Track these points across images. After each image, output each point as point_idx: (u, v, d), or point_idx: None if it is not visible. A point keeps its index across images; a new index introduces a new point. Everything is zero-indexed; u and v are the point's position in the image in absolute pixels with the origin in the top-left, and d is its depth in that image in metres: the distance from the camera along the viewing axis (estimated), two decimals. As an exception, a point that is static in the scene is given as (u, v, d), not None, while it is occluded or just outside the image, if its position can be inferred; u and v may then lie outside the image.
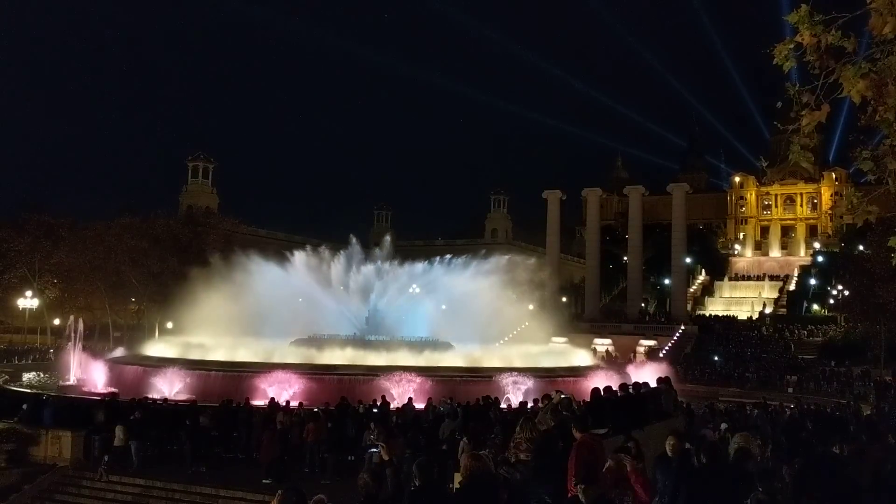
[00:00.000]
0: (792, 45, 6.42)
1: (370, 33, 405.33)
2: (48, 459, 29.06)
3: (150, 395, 35.27)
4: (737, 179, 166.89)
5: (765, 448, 25.07)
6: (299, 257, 52.74)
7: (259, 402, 33.93)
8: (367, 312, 53.37)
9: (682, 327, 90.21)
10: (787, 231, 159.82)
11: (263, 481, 24.72)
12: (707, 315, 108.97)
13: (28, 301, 75.42)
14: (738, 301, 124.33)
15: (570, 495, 10.15)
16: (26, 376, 50.32)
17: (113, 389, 39.45)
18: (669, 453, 10.76)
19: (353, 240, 59.60)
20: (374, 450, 19.52)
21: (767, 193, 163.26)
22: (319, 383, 37.50)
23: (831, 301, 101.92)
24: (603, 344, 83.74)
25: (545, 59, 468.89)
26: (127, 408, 30.64)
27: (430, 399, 32.69)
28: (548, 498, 10.50)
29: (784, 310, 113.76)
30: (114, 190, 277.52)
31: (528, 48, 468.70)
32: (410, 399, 32.92)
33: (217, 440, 29.93)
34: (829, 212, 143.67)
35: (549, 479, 10.55)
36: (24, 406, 32.09)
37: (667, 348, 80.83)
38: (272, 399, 32.58)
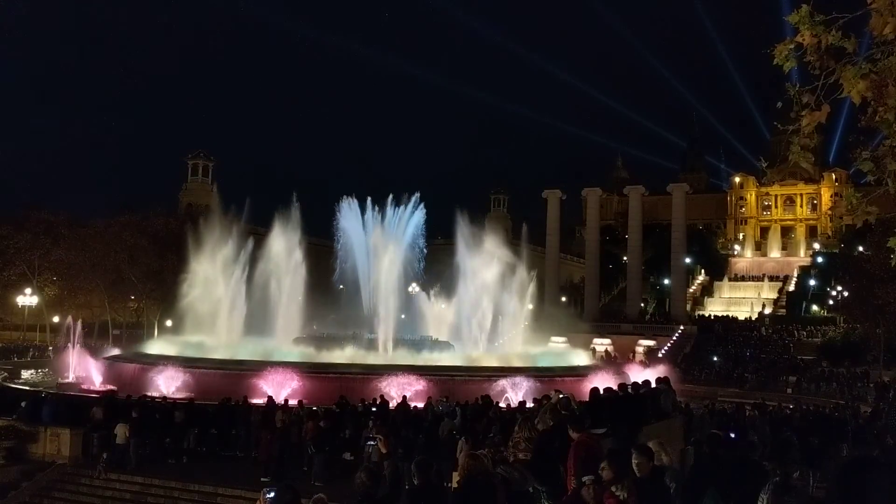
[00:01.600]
0: (792, 46, 6.41)
1: (370, 32, 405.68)
2: (47, 457, 29.05)
3: (148, 393, 35.26)
4: (737, 180, 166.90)
5: (763, 448, 25.22)
6: (298, 255, 52.62)
7: (259, 400, 33.97)
8: (366, 311, 53.34)
9: (682, 327, 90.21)
10: (786, 232, 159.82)
11: (262, 479, 24.69)
12: (706, 315, 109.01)
13: (27, 298, 75.35)
14: (738, 301, 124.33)
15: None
16: (25, 374, 50.35)
17: (111, 387, 39.52)
18: (637, 473, 9.08)
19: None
20: (373, 442, 19.60)
21: (767, 194, 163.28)
22: (319, 382, 37.52)
23: (831, 302, 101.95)
24: (602, 344, 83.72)
25: (546, 58, 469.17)
26: (125, 406, 30.66)
27: (429, 398, 32.69)
28: (546, 497, 10.50)
29: (783, 310, 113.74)
30: (113, 188, 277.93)
31: (529, 48, 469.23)
32: (405, 398, 32.93)
33: (216, 438, 30.08)
34: (829, 212, 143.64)
35: (548, 479, 10.55)
36: (23, 403, 32.10)
37: (666, 348, 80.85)
38: (269, 398, 32.58)
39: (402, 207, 58.22)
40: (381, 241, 54.92)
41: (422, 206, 59.22)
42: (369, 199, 58.41)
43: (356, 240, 57.18)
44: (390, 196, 58.89)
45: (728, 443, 21.15)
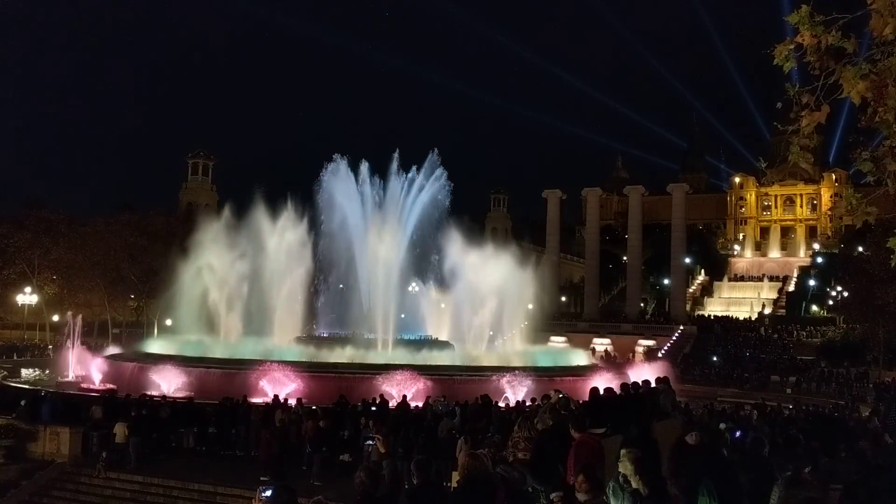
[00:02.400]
0: (792, 46, 6.41)
1: (370, 31, 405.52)
2: (46, 456, 29.04)
3: (148, 392, 35.25)
4: (737, 180, 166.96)
5: (762, 448, 25.24)
6: (297, 253, 52.44)
7: (258, 399, 33.98)
8: (366, 311, 53.19)
9: (681, 327, 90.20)
10: (786, 232, 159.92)
11: (261, 479, 24.67)
12: (706, 315, 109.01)
13: (27, 297, 75.37)
14: (738, 301, 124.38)
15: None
16: (25, 372, 50.30)
17: (111, 386, 39.51)
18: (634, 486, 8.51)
19: None
20: (371, 442, 19.60)
21: (767, 194, 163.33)
22: (319, 381, 37.49)
23: (830, 302, 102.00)
24: (602, 344, 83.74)
25: (546, 58, 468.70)
26: (125, 405, 30.66)
27: (427, 398, 32.70)
28: (545, 497, 10.51)
29: (783, 311, 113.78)
30: (113, 187, 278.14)
31: (529, 47, 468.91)
32: (405, 397, 32.95)
33: (215, 437, 30.10)
34: (829, 213, 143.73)
35: (547, 479, 10.56)
36: (23, 402, 32.10)
37: (665, 348, 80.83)
38: (276, 396, 32.56)
39: (408, 175, 53.64)
40: (379, 223, 52.01)
41: (441, 172, 53.79)
42: (366, 163, 53.82)
43: (351, 220, 53.21)
44: (396, 153, 53.29)
45: (734, 440, 21.48)
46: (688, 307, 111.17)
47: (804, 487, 9.93)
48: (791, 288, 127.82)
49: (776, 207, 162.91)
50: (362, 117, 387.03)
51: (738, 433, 24.19)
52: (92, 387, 41.92)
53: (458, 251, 53.48)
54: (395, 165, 53.76)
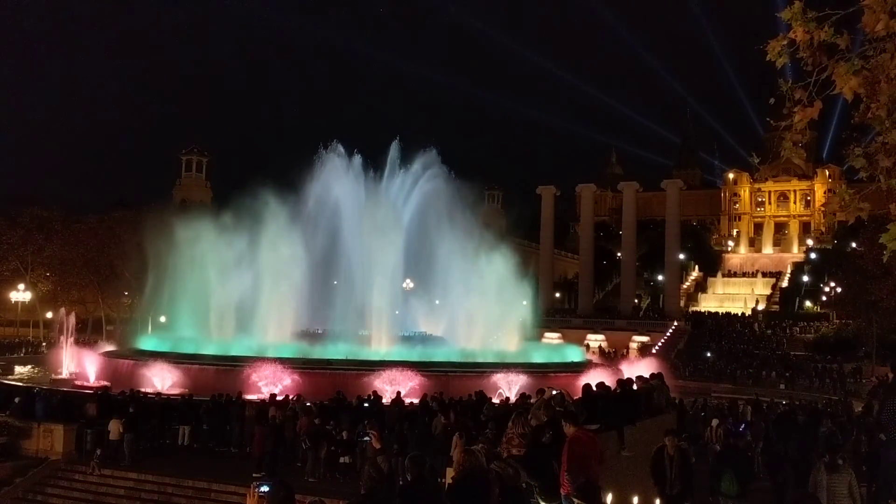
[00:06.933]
0: (785, 42, 6.43)
1: (365, 26, 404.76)
2: (40, 453, 29.00)
3: (142, 389, 35.20)
4: (731, 176, 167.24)
5: (757, 443, 25.58)
6: (292, 250, 52.23)
7: (252, 396, 33.94)
8: (360, 307, 53.07)
9: (675, 323, 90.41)
10: (780, 228, 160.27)
11: (254, 475, 24.66)
12: (700, 311, 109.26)
13: (20, 294, 75.23)
14: (731, 297, 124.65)
15: (563, 491, 10.18)
16: (18, 370, 50.17)
17: (105, 383, 39.44)
18: None
19: None
20: (366, 438, 19.63)
21: (760, 190, 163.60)
22: (313, 378, 37.46)
23: (824, 298, 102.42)
24: (596, 340, 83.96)
25: (540, 54, 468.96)
26: (119, 402, 30.61)
27: (424, 395, 32.71)
28: (539, 492, 10.54)
29: (777, 306, 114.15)
30: (107, 183, 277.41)
31: (523, 43, 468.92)
32: (399, 393, 32.98)
33: (209, 433, 30.08)
34: (822, 209, 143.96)
35: (541, 474, 10.58)
36: (16, 399, 32.04)
37: (660, 344, 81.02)
38: (272, 395, 32.52)
39: (404, 170, 53.82)
40: (374, 218, 51.31)
41: (437, 168, 53.74)
42: (361, 158, 53.86)
43: (346, 215, 52.84)
44: (392, 147, 53.42)
45: (738, 434, 22.31)
46: (682, 303, 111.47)
47: (840, 471, 11.99)
48: (784, 284, 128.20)
49: (770, 203, 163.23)
50: (357, 113, 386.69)
51: (741, 428, 25.03)
52: (86, 384, 41.85)
53: (452, 247, 53.42)
54: (390, 160, 53.86)
